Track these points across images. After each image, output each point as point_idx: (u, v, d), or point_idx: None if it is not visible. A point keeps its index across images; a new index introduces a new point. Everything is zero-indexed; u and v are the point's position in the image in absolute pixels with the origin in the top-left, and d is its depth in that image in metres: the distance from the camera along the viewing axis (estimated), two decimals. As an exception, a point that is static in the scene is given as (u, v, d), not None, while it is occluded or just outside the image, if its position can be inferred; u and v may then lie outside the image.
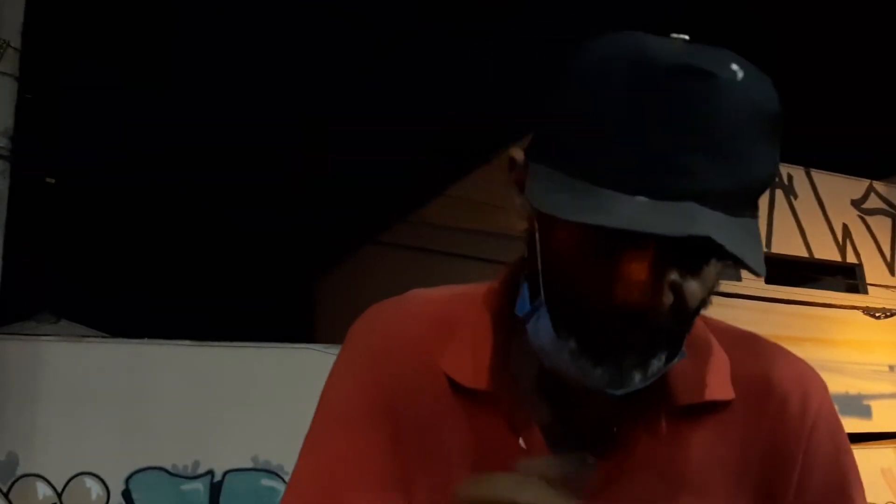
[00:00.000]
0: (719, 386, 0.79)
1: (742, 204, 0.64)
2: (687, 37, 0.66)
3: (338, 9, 14.56)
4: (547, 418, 0.77)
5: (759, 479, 0.79)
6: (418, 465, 0.78)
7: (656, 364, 0.69)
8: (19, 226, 7.26)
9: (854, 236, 11.43)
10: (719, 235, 0.60)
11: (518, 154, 0.75)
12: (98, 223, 16.34)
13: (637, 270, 0.63)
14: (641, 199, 0.61)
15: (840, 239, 11.33)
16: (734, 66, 0.63)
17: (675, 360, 0.70)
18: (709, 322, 0.84)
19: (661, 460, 0.76)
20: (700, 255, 0.66)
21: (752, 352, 0.84)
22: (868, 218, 11.70)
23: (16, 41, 6.61)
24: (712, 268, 0.68)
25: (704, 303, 0.70)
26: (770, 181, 0.67)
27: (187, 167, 11.59)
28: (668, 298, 0.66)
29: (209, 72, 15.53)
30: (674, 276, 0.66)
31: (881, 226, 11.79)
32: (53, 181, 7.34)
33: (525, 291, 0.74)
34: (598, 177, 0.62)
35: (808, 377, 0.84)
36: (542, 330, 0.70)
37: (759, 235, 0.66)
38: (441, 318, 0.83)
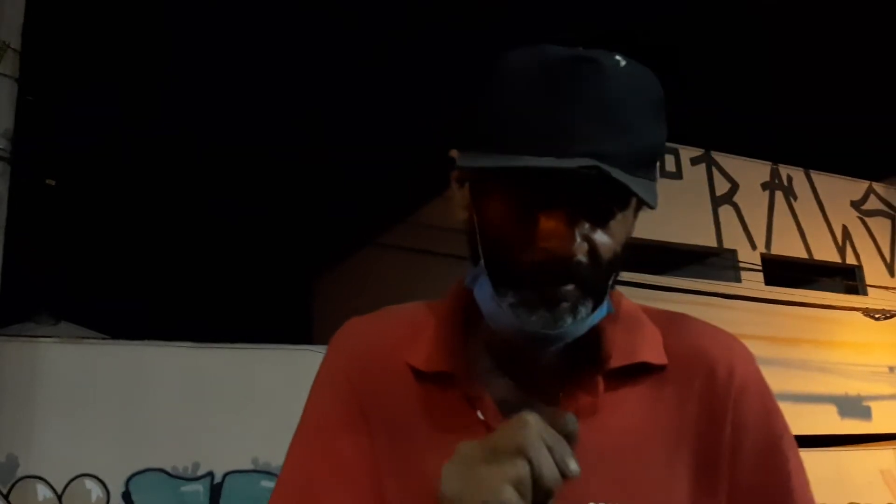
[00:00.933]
0: (651, 351, 0.88)
1: (635, 166, 0.75)
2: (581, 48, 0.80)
3: (338, 8, 14.57)
4: (500, 391, 0.86)
5: (695, 440, 0.86)
6: (389, 454, 0.86)
7: (584, 311, 0.79)
8: (19, 227, 7.26)
9: (853, 238, 11.43)
10: (609, 171, 0.72)
11: (455, 153, 0.87)
12: (97, 225, 16.34)
13: (551, 222, 0.76)
14: (548, 158, 0.73)
15: (839, 240, 11.33)
16: (618, 57, 0.77)
17: (602, 311, 0.81)
18: (642, 306, 0.95)
19: (602, 417, 0.84)
20: (604, 209, 0.79)
21: (682, 327, 0.93)
22: (868, 219, 11.71)
23: (16, 43, 6.61)
24: (619, 223, 0.80)
25: (618, 258, 0.81)
26: (658, 152, 0.79)
27: (187, 169, 11.59)
28: (581, 246, 0.77)
29: (209, 74, 15.53)
30: (585, 227, 0.78)
31: (881, 227, 11.80)
32: (53, 183, 7.33)
33: (472, 269, 0.85)
34: (512, 148, 0.75)
35: (733, 347, 0.92)
36: (484, 292, 0.82)
37: (653, 188, 0.78)
38: (408, 323, 0.94)
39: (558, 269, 0.77)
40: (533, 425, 0.66)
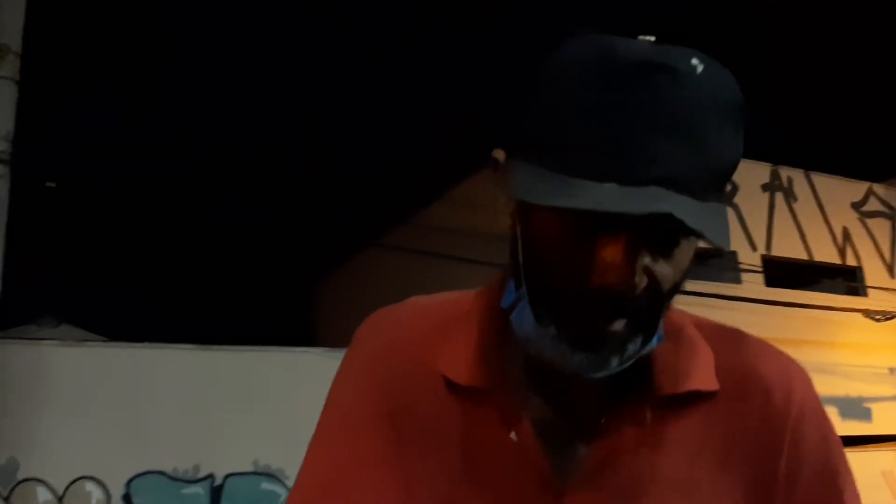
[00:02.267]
0: (703, 377, 0.81)
1: (707, 188, 0.67)
2: (653, 38, 0.70)
3: (338, 10, 14.58)
4: (537, 411, 0.80)
5: (746, 471, 0.80)
6: (418, 464, 0.81)
7: (632, 348, 0.72)
8: (20, 230, 7.26)
9: (854, 239, 11.43)
10: (680, 213, 0.64)
11: (500, 154, 0.80)
12: (99, 227, 16.34)
13: (610, 253, 0.67)
14: (610, 185, 0.64)
15: (840, 241, 11.33)
16: (694, 61, 0.68)
17: (652, 344, 0.74)
18: (693, 318, 0.87)
19: (647, 450, 0.78)
20: (669, 237, 0.70)
21: (735, 346, 0.86)
22: (868, 220, 11.70)
23: (16, 45, 6.61)
24: (683, 252, 0.72)
25: (677, 287, 0.73)
26: (733, 167, 0.71)
27: (188, 171, 11.59)
28: (642, 280, 0.69)
29: (210, 76, 15.53)
30: (646, 259, 0.69)
31: (881, 228, 11.79)
32: (54, 185, 7.34)
33: (511, 285, 0.78)
34: (570, 167, 0.66)
35: (791, 370, 0.85)
36: (524, 319, 0.74)
37: (725, 217, 0.70)
38: (437, 321, 0.86)
39: (612, 305, 0.69)
40: None
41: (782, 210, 10.98)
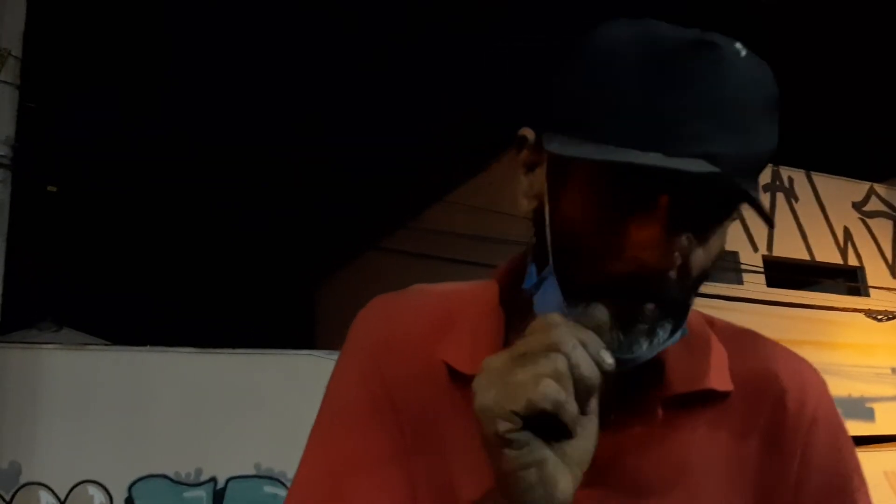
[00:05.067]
0: (717, 377, 0.79)
1: (745, 172, 0.65)
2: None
3: (338, 11, 14.59)
4: None
5: (757, 473, 0.78)
6: (419, 452, 0.78)
7: (662, 334, 0.69)
8: (21, 234, 7.27)
9: (855, 239, 11.43)
10: (733, 178, 0.62)
11: (529, 133, 0.76)
12: (99, 231, 16.36)
13: (649, 228, 0.65)
14: (656, 154, 0.62)
15: (841, 242, 11.33)
16: (738, 45, 0.67)
17: (679, 334, 0.71)
18: (705, 316, 0.85)
19: (657, 448, 0.76)
20: (709, 216, 0.68)
21: (750, 347, 0.84)
22: (869, 220, 11.70)
23: (17, 50, 6.62)
24: (718, 238, 0.70)
25: (706, 276, 0.70)
26: (770, 157, 0.68)
27: (188, 174, 11.60)
28: (677, 260, 0.66)
29: (210, 79, 15.55)
30: (684, 238, 0.67)
31: (882, 228, 11.79)
32: (55, 189, 7.34)
33: (532, 269, 0.75)
34: (614, 138, 0.64)
35: (806, 373, 0.83)
36: (549, 300, 0.71)
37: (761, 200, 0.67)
38: (441, 310, 0.84)
39: (646, 285, 0.66)
40: (562, 323, 0.61)
41: (783, 210, 10.98)
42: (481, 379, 0.62)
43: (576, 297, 0.68)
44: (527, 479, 0.60)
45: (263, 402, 7.09)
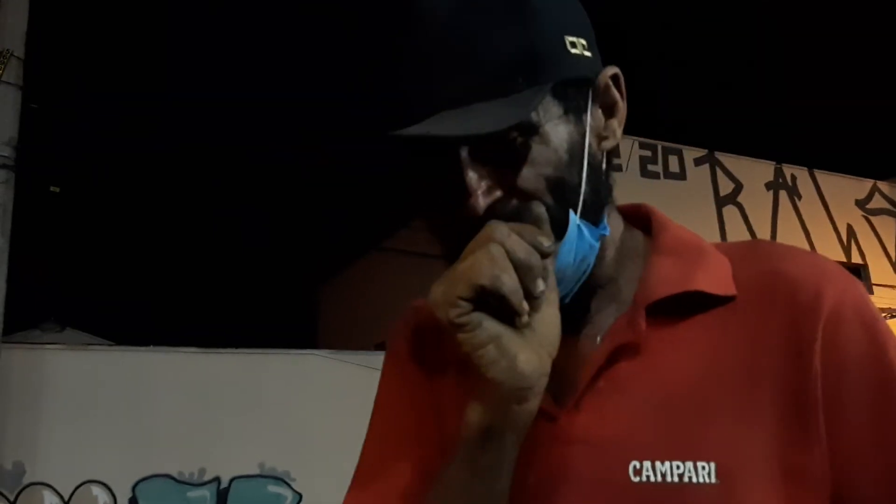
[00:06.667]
0: (711, 280, 0.74)
1: (501, 85, 0.66)
2: None
3: (339, 12, 14.60)
4: None
5: (774, 383, 0.70)
6: (437, 427, 0.81)
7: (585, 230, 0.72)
8: (24, 235, 7.28)
9: (858, 237, 11.41)
10: (437, 129, 0.64)
11: None
12: (102, 232, 16.38)
13: (461, 182, 0.67)
14: (416, 126, 0.66)
15: (844, 239, 11.31)
16: None
17: (601, 230, 0.73)
18: (715, 243, 0.82)
19: (652, 361, 0.72)
20: (494, 146, 0.67)
21: (760, 253, 0.78)
22: (872, 218, 11.67)
23: (19, 50, 6.63)
24: (540, 145, 0.68)
25: (554, 179, 0.69)
26: (517, 56, 0.67)
27: (191, 175, 11.62)
28: (480, 201, 0.67)
29: (214, 80, 15.56)
30: (484, 176, 0.68)
31: (886, 226, 11.76)
32: (58, 190, 7.35)
33: None
34: (393, 123, 0.69)
35: (826, 268, 0.74)
36: None
37: (530, 99, 0.66)
38: None
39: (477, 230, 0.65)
40: (499, 223, 0.63)
41: (786, 208, 10.97)
42: (433, 285, 0.65)
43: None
44: (487, 356, 0.62)
45: (267, 401, 7.10)
